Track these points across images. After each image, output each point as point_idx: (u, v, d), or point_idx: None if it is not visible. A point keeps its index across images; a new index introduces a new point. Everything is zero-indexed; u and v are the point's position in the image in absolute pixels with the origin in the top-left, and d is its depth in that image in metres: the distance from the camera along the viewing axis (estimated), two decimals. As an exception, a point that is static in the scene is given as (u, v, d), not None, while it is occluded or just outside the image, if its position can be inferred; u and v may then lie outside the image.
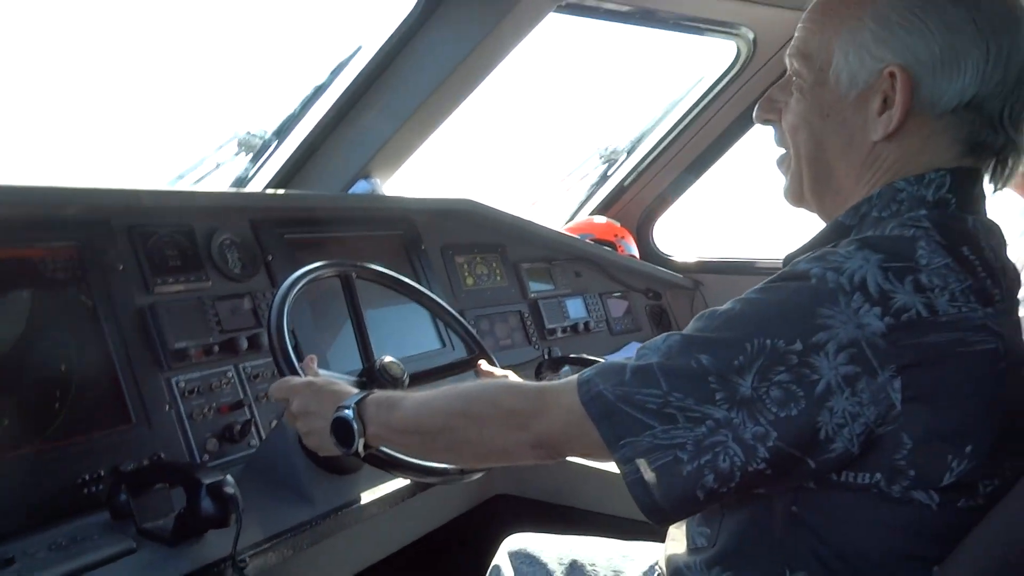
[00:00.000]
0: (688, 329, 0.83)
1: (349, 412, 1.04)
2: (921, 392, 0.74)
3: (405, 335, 1.89)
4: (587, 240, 2.64)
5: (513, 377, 1.44)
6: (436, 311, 1.62)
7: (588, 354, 2.04)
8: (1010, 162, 0.86)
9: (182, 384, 1.41)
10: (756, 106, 0.99)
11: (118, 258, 1.43)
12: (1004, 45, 0.80)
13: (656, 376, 0.79)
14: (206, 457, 1.38)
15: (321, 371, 1.27)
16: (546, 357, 2.16)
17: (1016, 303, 0.87)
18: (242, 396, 1.49)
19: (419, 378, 1.47)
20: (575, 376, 0.87)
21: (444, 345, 1.98)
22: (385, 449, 1.09)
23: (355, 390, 1.11)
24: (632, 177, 2.89)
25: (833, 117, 0.88)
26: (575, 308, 2.45)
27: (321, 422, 1.08)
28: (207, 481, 1.11)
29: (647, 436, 0.78)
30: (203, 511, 1.11)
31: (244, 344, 1.52)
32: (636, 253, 2.82)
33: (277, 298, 1.27)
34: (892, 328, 0.73)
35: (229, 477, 1.14)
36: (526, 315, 2.29)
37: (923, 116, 0.83)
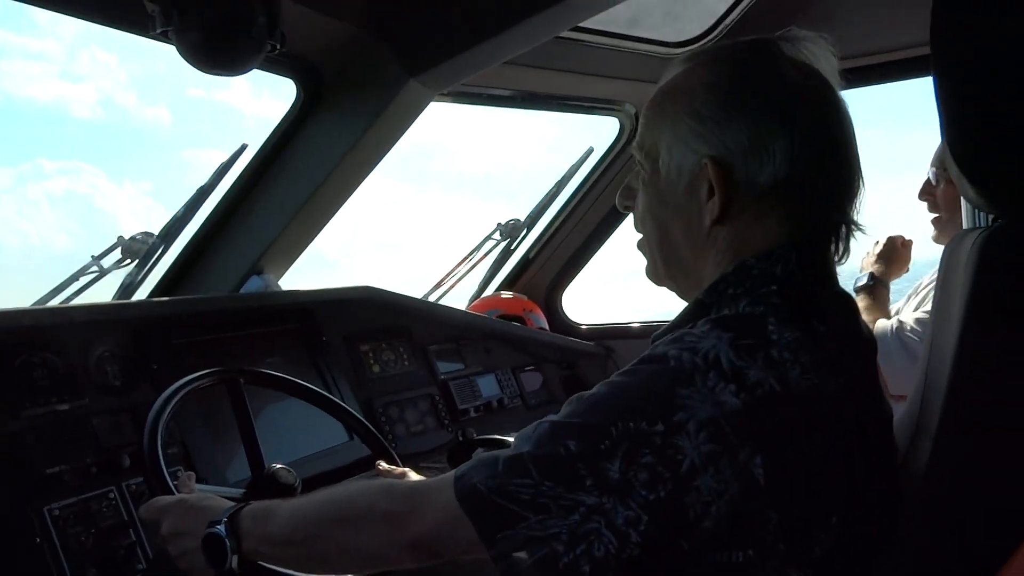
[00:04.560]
0: (559, 415, 0.82)
1: (220, 528, 0.97)
2: (782, 467, 0.74)
3: (309, 431, 1.82)
4: (494, 316, 2.64)
5: (412, 476, 1.41)
6: (331, 411, 1.58)
7: (505, 432, 2.00)
8: (843, 233, 0.89)
9: (56, 512, 1.32)
10: (618, 194, 1.02)
11: (-20, 384, 1.35)
12: (808, 130, 0.84)
13: (527, 465, 0.78)
14: (84, 590, 1.30)
15: (199, 486, 1.21)
16: (460, 439, 2.12)
17: (876, 369, 0.89)
18: (126, 518, 1.41)
19: (313, 483, 1.42)
20: (452, 471, 0.84)
21: (352, 439, 1.92)
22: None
23: (229, 503, 1.05)
24: (536, 250, 2.94)
25: (670, 204, 0.92)
26: (487, 386, 2.43)
27: (192, 542, 1.01)
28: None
29: (522, 528, 0.77)
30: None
31: (126, 461, 1.44)
32: (546, 325, 2.84)
33: (151, 415, 1.22)
34: (748, 405, 0.74)
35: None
36: (437, 398, 2.25)
37: (745, 198, 0.86)
